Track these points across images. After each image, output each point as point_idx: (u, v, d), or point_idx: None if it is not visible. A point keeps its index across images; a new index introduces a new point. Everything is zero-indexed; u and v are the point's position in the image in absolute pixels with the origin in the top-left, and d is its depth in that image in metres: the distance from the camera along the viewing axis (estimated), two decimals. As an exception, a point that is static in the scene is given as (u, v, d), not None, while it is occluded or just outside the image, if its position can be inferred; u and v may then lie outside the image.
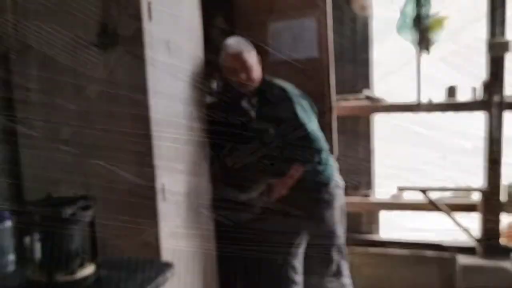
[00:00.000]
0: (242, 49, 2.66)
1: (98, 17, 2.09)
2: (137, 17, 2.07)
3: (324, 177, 2.71)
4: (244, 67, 2.64)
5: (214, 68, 2.82)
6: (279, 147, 2.66)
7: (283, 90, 2.67)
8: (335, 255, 2.75)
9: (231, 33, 3.14)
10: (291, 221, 2.77)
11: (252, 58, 2.68)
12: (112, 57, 2.11)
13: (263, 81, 2.72)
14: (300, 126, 2.59)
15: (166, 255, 2.21)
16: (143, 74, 2.09)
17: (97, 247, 1.86)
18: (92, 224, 1.84)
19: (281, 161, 2.65)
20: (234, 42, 2.70)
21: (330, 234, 2.74)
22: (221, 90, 2.97)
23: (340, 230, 2.78)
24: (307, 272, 2.82)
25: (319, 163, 2.67)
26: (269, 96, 2.68)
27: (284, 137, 2.63)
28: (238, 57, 2.64)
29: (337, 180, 2.80)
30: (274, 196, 2.65)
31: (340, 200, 2.80)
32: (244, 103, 2.77)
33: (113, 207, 2.17)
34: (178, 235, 2.39)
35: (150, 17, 2.11)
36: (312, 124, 2.65)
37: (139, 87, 2.10)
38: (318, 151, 2.62)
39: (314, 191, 2.70)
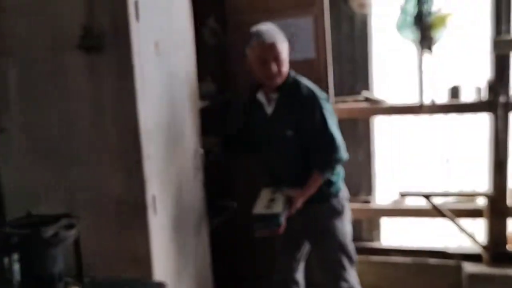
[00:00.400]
0: (277, 39, 2.38)
1: (82, 17, 1.95)
2: (123, 18, 1.93)
3: (335, 187, 2.54)
4: (277, 59, 2.36)
5: (207, 70, 2.67)
6: (297, 152, 2.46)
7: (311, 90, 2.44)
8: (347, 265, 2.57)
9: (224, 33, 3.03)
10: (298, 233, 2.62)
11: (285, 50, 2.41)
12: (96, 61, 1.97)
13: (289, 76, 2.47)
14: (325, 132, 2.38)
15: (158, 272, 2.09)
16: (130, 78, 1.95)
17: (83, 268, 1.74)
18: (76, 243, 1.71)
19: (299, 169, 2.46)
20: (267, 30, 2.40)
21: (342, 246, 2.56)
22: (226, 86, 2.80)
23: (351, 241, 2.61)
24: (319, 284, 2.65)
25: (332, 172, 2.49)
26: (294, 94, 2.43)
27: (303, 140, 2.43)
28: (271, 48, 2.35)
29: (345, 190, 2.63)
30: (294, 210, 2.42)
31: (349, 210, 2.63)
32: (260, 96, 2.52)
33: (101, 223, 2.05)
34: (171, 251, 2.24)
35: (137, 17, 1.97)
36: (337, 132, 2.44)
37: (127, 92, 1.96)
38: (339, 160, 2.43)
39: (325, 202, 2.52)
